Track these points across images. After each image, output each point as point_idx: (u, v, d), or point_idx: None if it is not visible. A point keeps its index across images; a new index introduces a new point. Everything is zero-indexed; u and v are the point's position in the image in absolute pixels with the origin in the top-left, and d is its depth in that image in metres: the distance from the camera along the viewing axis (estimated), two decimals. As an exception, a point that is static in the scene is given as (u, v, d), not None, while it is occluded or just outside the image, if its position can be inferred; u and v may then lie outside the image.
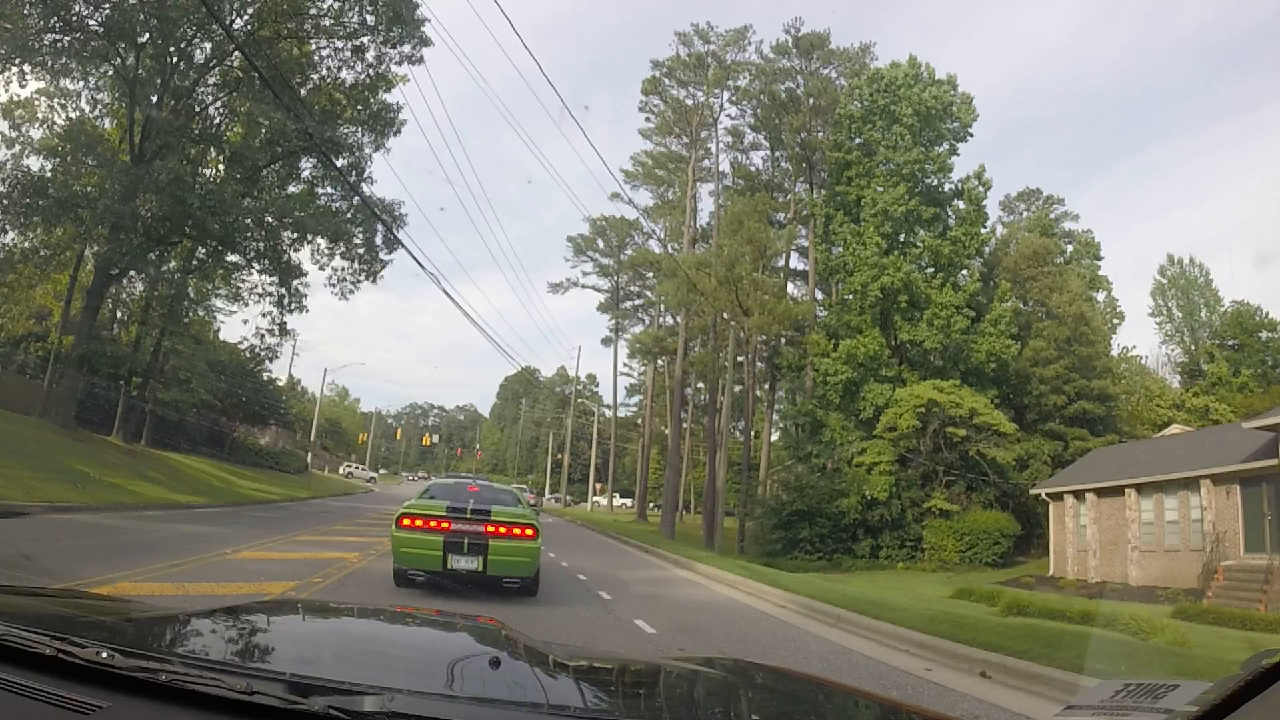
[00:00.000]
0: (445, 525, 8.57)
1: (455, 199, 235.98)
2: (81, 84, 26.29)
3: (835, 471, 35.07)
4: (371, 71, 27.90)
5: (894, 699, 2.24)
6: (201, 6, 20.92)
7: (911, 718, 2.11)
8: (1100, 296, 50.91)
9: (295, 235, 27.89)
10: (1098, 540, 26.72)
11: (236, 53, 24.43)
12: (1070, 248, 51.87)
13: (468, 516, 8.65)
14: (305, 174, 30.54)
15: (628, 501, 67.97)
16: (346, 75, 28.17)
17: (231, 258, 29.14)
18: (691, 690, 2.03)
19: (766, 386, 49.65)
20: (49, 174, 24.23)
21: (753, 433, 44.61)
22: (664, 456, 51.23)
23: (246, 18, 25.15)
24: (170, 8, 23.00)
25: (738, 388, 41.52)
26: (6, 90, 25.89)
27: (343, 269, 29.52)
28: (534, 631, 3.12)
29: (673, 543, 26.91)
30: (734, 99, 44.96)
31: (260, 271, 29.96)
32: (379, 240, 29.04)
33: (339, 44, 27.10)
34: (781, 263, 45.80)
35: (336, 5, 26.03)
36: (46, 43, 23.30)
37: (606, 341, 62.57)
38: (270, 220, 26.88)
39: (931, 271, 36.90)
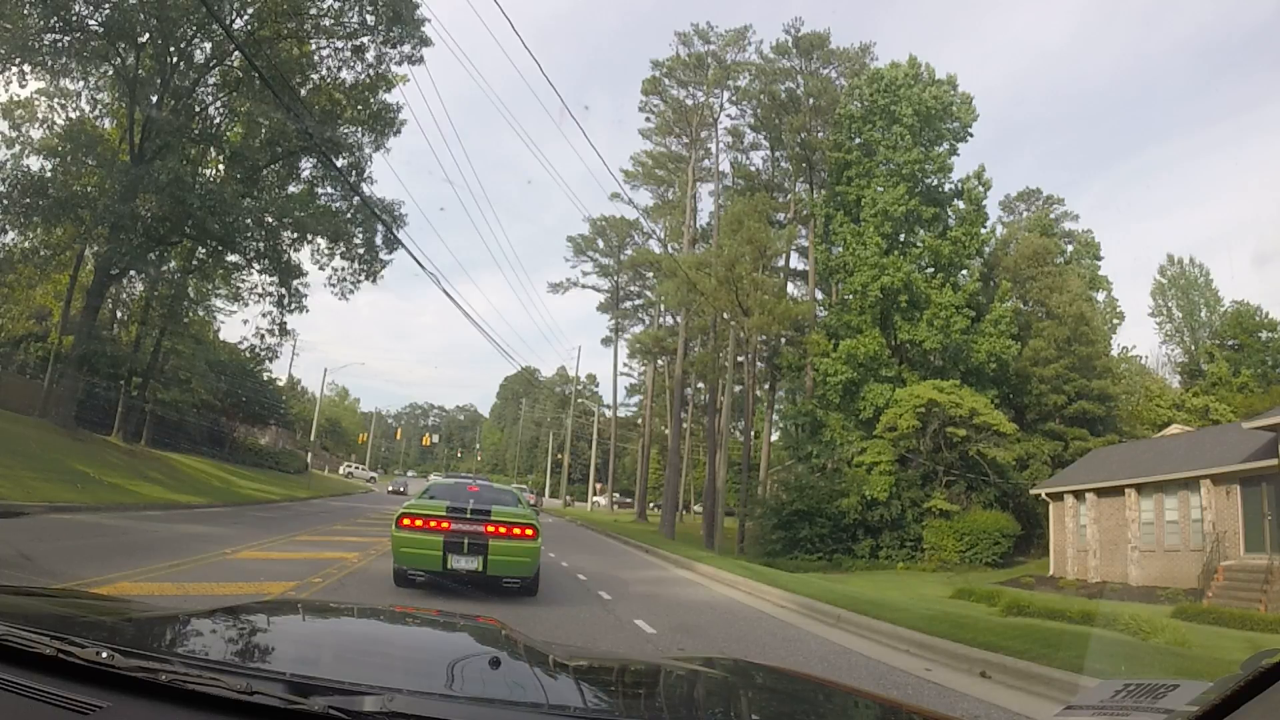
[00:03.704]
0: (445, 525, 8.56)
1: (455, 199, 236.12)
2: (81, 84, 26.32)
3: (835, 471, 35.06)
4: (371, 71, 27.92)
5: (894, 699, 2.24)
6: (201, 6, 20.92)
7: (912, 718, 2.11)
8: (1100, 296, 50.91)
9: (295, 235, 27.89)
10: (1098, 540, 26.71)
11: (236, 53, 24.43)
12: (1070, 248, 51.87)
13: (468, 516, 8.65)
14: (305, 174, 30.60)
15: (628, 501, 67.98)
16: (346, 75, 28.23)
17: (231, 258, 29.16)
18: (691, 690, 2.03)
19: (766, 386, 49.62)
20: (49, 174, 24.23)
21: (753, 433, 44.61)
22: (664, 456, 51.23)
23: (246, 18, 25.15)
24: (170, 8, 23.00)
25: (738, 388, 41.51)
26: (6, 90, 25.90)
27: (343, 269, 29.56)
28: (534, 631, 3.13)
29: (673, 543, 26.90)
30: (734, 99, 45.01)
31: (260, 271, 30.00)
32: (379, 240, 29.09)
33: (339, 44, 27.13)
34: (781, 263, 45.81)
35: (336, 5, 26.06)
36: (46, 43, 23.30)
37: (606, 341, 62.64)
38: (270, 220, 26.88)
39: (931, 271, 36.89)
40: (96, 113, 27.96)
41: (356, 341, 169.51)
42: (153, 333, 31.30)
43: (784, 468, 43.19)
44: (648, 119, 47.06)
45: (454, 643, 2.23)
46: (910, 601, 13.88)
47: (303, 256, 50.99)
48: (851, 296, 37.22)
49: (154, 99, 25.11)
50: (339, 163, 27.80)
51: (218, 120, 29.20)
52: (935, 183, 38.11)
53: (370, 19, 26.31)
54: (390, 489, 53.80)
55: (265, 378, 49.00)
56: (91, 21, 23.50)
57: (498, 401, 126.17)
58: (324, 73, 28.14)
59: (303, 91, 27.25)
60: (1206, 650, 9.81)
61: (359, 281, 29.83)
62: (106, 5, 23.09)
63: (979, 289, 37.37)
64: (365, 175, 29.59)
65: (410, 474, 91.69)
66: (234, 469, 36.11)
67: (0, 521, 11.57)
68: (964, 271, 38.38)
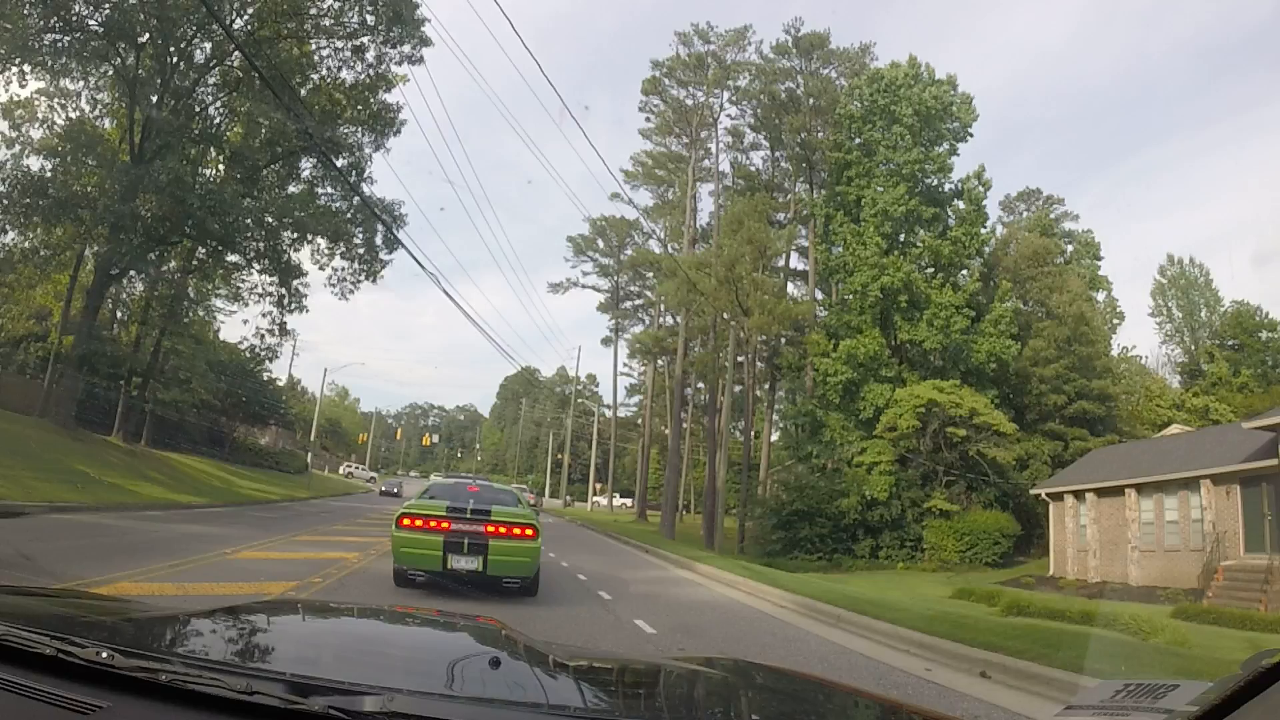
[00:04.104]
0: (445, 525, 8.56)
1: (455, 199, 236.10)
2: (81, 84, 26.31)
3: (835, 471, 35.06)
4: (371, 71, 27.92)
5: (894, 699, 2.24)
6: (201, 6, 20.92)
7: (912, 718, 2.11)
8: (1100, 296, 50.93)
9: (295, 235, 27.91)
10: (1098, 540, 26.71)
11: (236, 53, 24.42)
12: (1070, 248, 51.87)
13: (468, 516, 8.64)
14: (305, 174, 30.58)
15: (628, 501, 67.97)
16: (346, 75, 28.23)
17: (231, 258, 29.16)
18: (691, 690, 2.03)
19: (766, 386, 49.64)
20: (49, 174, 24.22)
21: (753, 433, 44.61)
22: (664, 456, 51.24)
23: (246, 18, 25.15)
24: (170, 8, 22.99)
25: (738, 388, 41.51)
26: (6, 90, 25.90)
27: (343, 269, 29.57)
28: (534, 631, 3.12)
29: (673, 542, 26.91)
30: (734, 99, 45.02)
31: (260, 271, 30.02)
32: (379, 240, 29.09)
33: (339, 44, 27.13)
34: (781, 263, 45.83)
35: (336, 5, 26.06)
36: (46, 43, 23.30)
37: (606, 341, 62.64)
38: (270, 220, 26.89)
39: (931, 271, 36.89)
40: (96, 113, 27.97)
41: (356, 341, 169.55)
42: (153, 333, 31.30)
43: (784, 468, 43.18)
44: (648, 119, 47.14)
45: (454, 643, 2.23)
46: (910, 601, 13.90)
47: (303, 256, 50.88)
48: (851, 296, 37.21)
49: (154, 99, 25.10)
50: (339, 163, 27.79)
51: (218, 120, 29.20)
52: (935, 183, 38.11)
53: (370, 19, 26.31)
54: (382, 491, 45.87)
55: (265, 378, 48.95)
56: (91, 21, 23.49)
57: (498, 401, 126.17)
58: (324, 73, 28.16)
59: (303, 91, 27.24)
60: (1206, 650, 9.81)
61: (359, 281, 29.89)
62: (106, 5, 23.09)
63: (979, 289, 37.36)
64: (365, 175, 29.63)
65: (413, 474, 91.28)
66: (234, 469, 36.12)
67: (0, 521, 11.57)
68: (964, 271, 38.36)
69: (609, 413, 71.44)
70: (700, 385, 50.57)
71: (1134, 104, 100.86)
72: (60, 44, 23.64)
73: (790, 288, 45.96)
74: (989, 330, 35.90)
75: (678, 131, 45.93)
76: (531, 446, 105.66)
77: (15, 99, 25.99)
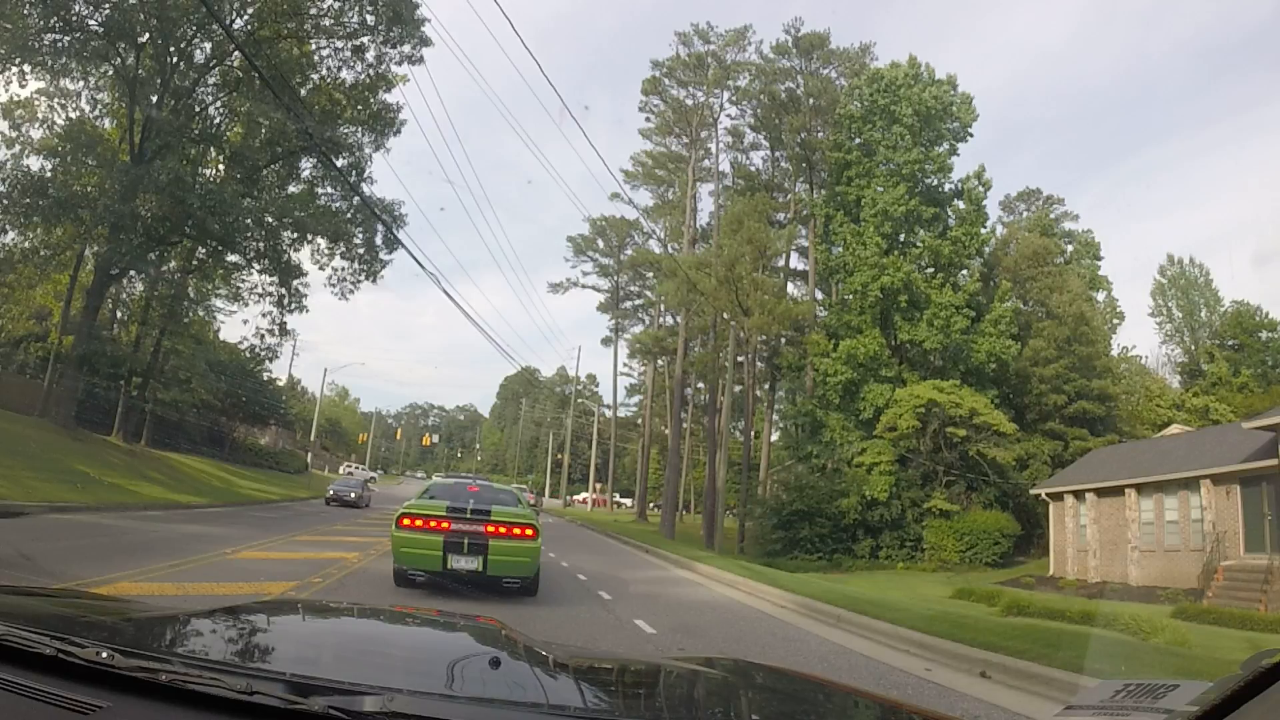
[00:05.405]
0: (445, 525, 8.57)
1: (455, 199, 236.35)
2: (81, 84, 26.34)
3: (835, 471, 35.04)
4: (371, 71, 27.94)
5: (894, 699, 2.24)
6: (201, 6, 20.93)
7: (912, 718, 2.11)
8: (1100, 296, 50.86)
9: (295, 235, 27.92)
10: (1098, 540, 26.71)
11: (236, 53, 24.43)
12: (1070, 248, 51.83)
13: (468, 516, 8.65)
14: (305, 174, 30.61)
15: (628, 501, 67.94)
16: (346, 75, 28.27)
17: (231, 258, 29.18)
18: (691, 690, 2.03)
19: (766, 386, 49.61)
20: (49, 174, 24.23)
21: (753, 433, 44.59)
22: (664, 456, 51.22)
23: (246, 18, 25.16)
24: (170, 8, 23.02)
25: (738, 388, 41.49)
26: (6, 90, 25.90)
27: (343, 269, 29.60)
28: (534, 631, 3.12)
29: (672, 542, 26.90)
30: (734, 99, 44.98)
31: (260, 271, 30.04)
32: (379, 240, 29.12)
33: (339, 44, 27.15)
34: (781, 263, 45.79)
35: (336, 5, 26.07)
36: (46, 43, 23.31)
37: (606, 341, 62.59)
38: (270, 220, 26.91)
39: (931, 271, 36.88)
40: (96, 113, 27.99)
41: (356, 341, 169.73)
42: (153, 333, 31.30)
43: (784, 468, 43.16)
44: (648, 119, 47.10)
45: (454, 643, 2.23)
46: (910, 601, 13.90)
47: (303, 256, 50.96)
48: (851, 296, 37.20)
49: (154, 99, 25.11)
50: (339, 163, 27.79)
51: (218, 120, 29.21)
52: (935, 183, 38.10)
53: (370, 19, 26.33)
54: (330, 494, 30.96)
55: (265, 378, 48.92)
56: (91, 21, 23.50)
57: (498, 401, 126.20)
58: (324, 73, 28.17)
59: (303, 91, 27.26)
60: (1206, 650, 9.81)
61: (359, 281, 29.92)
62: (106, 5, 23.10)
63: (979, 289, 37.34)
64: (365, 175, 29.66)
65: (419, 474, 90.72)
66: (234, 469, 36.13)
67: (0, 521, 11.57)
68: (964, 271, 38.35)
69: (609, 413, 71.46)
70: (700, 385, 50.55)
71: (1134, 104, 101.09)
72: (60, 44, 23.65)
73: (790, 288, 45.98)
74: (989, 330, 35.89)
75: (678, 131, 45.91)
76: (531, 446, 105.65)
77: (15, 99, 26.05)
